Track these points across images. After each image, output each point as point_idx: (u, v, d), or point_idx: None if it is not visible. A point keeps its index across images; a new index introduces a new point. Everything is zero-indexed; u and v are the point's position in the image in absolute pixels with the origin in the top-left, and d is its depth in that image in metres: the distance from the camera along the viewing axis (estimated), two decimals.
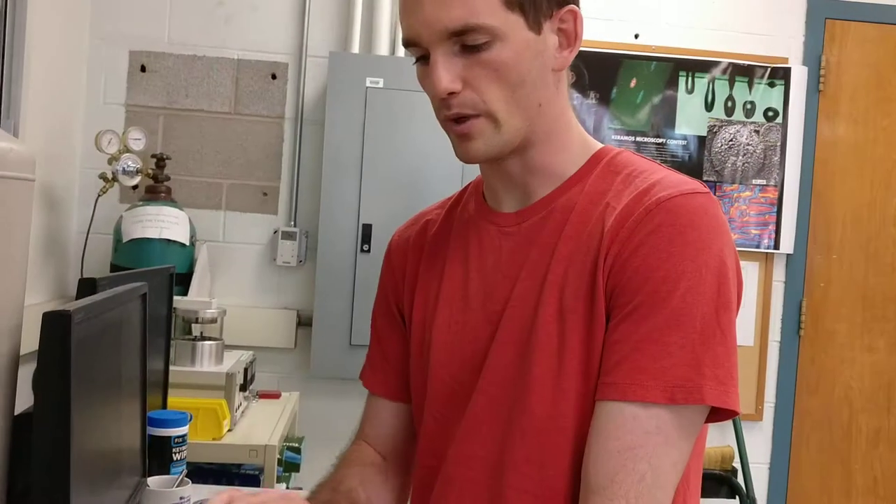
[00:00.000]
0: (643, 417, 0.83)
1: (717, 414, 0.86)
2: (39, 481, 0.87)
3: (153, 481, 1.38)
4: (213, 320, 2.12)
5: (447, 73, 0.88)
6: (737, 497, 2.58)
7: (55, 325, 0.85)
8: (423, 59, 0.92)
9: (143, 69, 2.75)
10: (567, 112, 0.97)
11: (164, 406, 1.79)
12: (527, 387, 0.90)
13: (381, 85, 2.60)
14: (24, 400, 1.02)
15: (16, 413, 1.05)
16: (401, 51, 2.76)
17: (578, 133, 0.98)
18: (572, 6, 0.92)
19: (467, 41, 0.87)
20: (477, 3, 0.86)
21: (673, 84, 2.90)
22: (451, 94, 0.89)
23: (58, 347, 0.86)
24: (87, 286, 1.32)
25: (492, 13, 0.87)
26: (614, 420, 0.84)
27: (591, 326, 0.87)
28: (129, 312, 1.22)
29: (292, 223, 2.79)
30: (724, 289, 0.85)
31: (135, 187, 2.53)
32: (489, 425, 0.93)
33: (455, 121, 0.91)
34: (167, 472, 1.50)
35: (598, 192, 0.92)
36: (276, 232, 2.76)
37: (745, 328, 2.91)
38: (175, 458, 1.54)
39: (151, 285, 1.69)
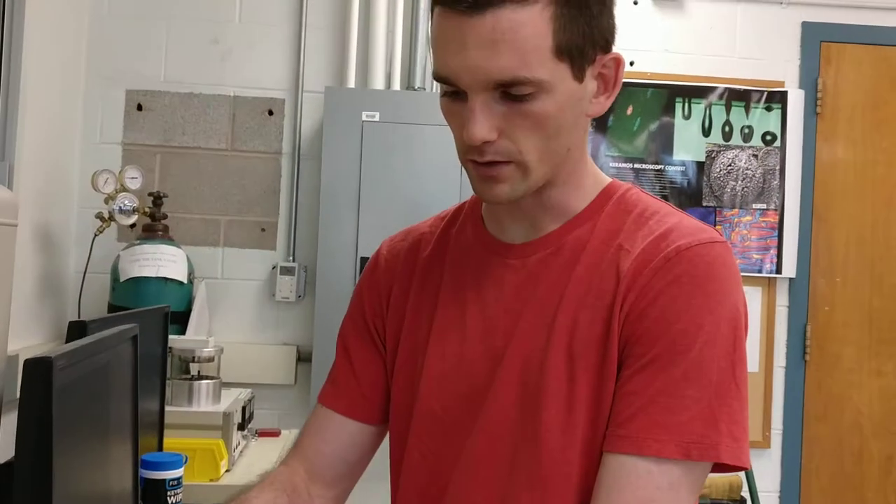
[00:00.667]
0: (656, 473, 0.82)
1: (724, 466, 0.85)
2: None
3: None
4: (210, 359, 2.10)
5: (486, 122, 0.84)
6: None
7: (36, 372, 0.84)
8: (454, 95, 0.87)
9: (139, 108, 2.76)
10: (586, 151, 0.95)
11: (160, 448, 1.76)
12: (535, 432, 0.87)
13: (377, 119, 2.60)
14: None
15: (2, 461, 1.02)
16: (396, 85, 2.76)
17: (591, 169, 0.96)
18: (617, 54, 0.89)
19: (512, 91, 0.83)
20: (528, 53, 0.82)
21: (669, 110, 2.90)
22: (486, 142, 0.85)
23: (39, 395, 0.84)
24: (77, 329, 1.31)
25: (542, 64, 0.82)
26: (627, 475, 0.82)
27: (603, 373, 0.86)
28: (119, 355, 1.20)
29: (291, 258, 2.77)
30: (739, 342, 0.86)
31: (132, 226, 2.52)
32: (490, 468, 0.90)
33: (481, 162, 0.87)
34: None
35: (609, 232, 0.91)
36: (274, 267, 2.75)
37: (749, 354, 2.86)
38: (170, 502, 1.51)
39: (146, 325, 1.67)
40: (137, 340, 1.30)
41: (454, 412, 0.94)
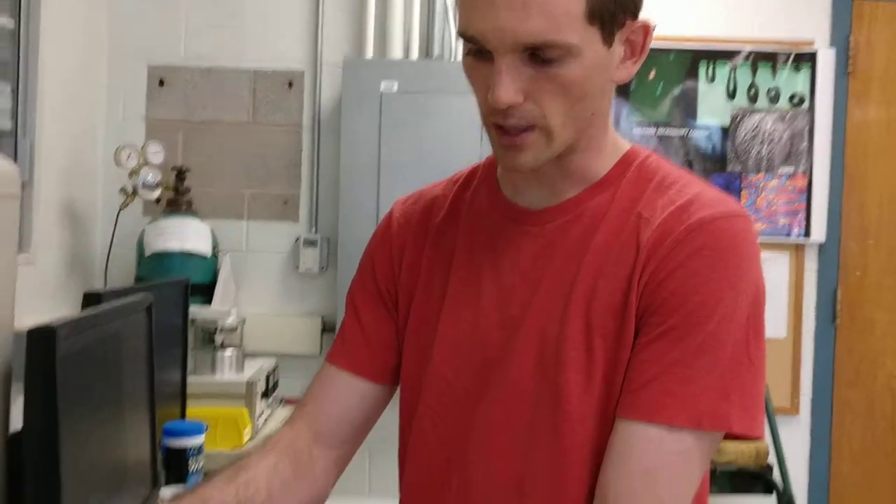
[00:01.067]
0: (668, 440, 0.82)
1: (734, 434, 0.85)
2: (32, 500, 0.87)
3: (167, 491, 1.38)
4: (233, 329, 2.13)
5: (512, 84, 0.82)
6: (773, 493, 2.52)
7: (39, 341, 0.85)
8: (479, 54, 0.84)
9: (161, 83, 2.78)
10: (609, 116, 0.94)
11: (183, 416, 1.80)
12: (554, 401, 0.87)
13: (395, 89, 2.58)
14: None
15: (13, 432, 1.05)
16: (414, 54, 2.74)
17: (612, 134, 0.95)
18: (646, 21, 0.87)
19: (540, 54, 0.81)
20: (560, 16, 0.80)
21: (693, 74, 2.84)
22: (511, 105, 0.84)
23: (43, 364, 0.85)
24: (92, 300, 1.33)
25: (573, 28, 0.81)
26: (638, 441, 0.83)
27: (619, 344, 0.86)
28: (132, 325, 1.22)
29: (314, 230, 2.79)
30: (757, 318, 0.85)
31: (157, 200, 2.55)
32: (507, 436, 0.90)
33: (504, 128, 0.86)
34: (184, 483, 1.50)
35: (629, 199, 0.90)
36: (297, 240, 2.77)
37: (776, 319, 2.83)
38: (191, 469, 1.55)
39: (166, 297, 1.70)
40: (152, 310, 1.32)
41: (467, 380, 0.93)
